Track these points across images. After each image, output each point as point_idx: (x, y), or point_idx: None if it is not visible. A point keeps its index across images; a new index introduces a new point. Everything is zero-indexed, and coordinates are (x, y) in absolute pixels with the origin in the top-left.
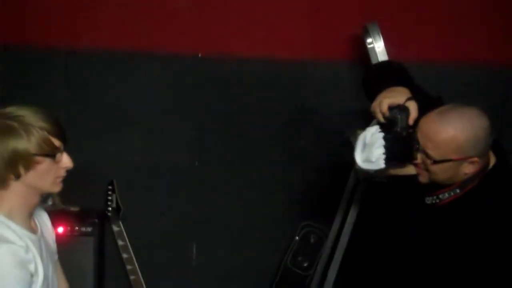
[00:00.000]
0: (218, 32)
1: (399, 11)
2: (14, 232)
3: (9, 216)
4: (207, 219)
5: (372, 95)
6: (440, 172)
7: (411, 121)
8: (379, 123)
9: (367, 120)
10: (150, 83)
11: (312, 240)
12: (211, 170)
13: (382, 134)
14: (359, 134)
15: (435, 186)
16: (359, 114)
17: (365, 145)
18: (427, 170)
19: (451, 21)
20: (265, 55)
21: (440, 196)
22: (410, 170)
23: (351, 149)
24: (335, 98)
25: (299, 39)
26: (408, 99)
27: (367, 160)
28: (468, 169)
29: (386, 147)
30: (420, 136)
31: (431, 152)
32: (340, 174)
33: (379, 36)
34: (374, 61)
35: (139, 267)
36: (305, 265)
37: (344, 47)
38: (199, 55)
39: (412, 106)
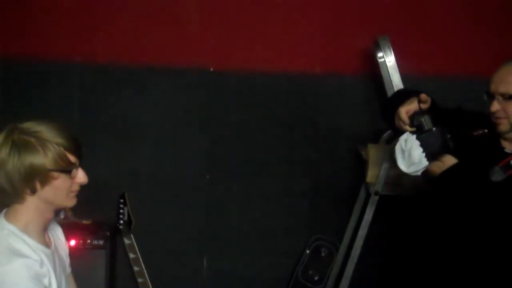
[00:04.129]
0: (229, 46)
1: (410, 26)
2: (29, 246)
3: (24, 230)
4: (218, 232)
5: (391, 121)
6: None
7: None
8: (411, 132)
9: (377, 133)
10: (162, 97)
11: (323, 254)
12: (222, 183)
13: (415, 136)
14: (370, 148)
15: (501, 152)
16: (371, 127)
17: (403, 152)
18: (506, 117)
19: (462, 34)
20: (277, 69)
21: None
22: (450, 161)
23: (363, 162)
24: (347, 111)
25: (311, 52)
26: (417, 98)
27: (411, 164)
28: None
29: (422, 145)
30: (492, 86)
31: (505, 90)
32: (352, 187)
33: (390, 50)
34: (384, 75)
35: (150, 280)
36: (316, 278)
37: (356, 61)
38: (211, 69)
39: (422, 95)
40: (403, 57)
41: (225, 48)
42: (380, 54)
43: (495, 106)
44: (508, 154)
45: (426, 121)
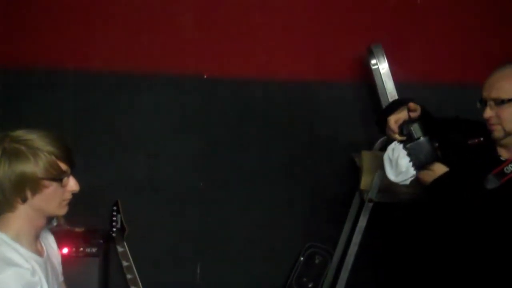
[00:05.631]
0: (223, 53)
1: (404, 33)
2: (21, 255)
3: (16, 238)
4: (212, 240)
5: (384, 131)
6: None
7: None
8: (400, 141)
9: (371, 140)
10: (156, 104)
11: (317, 261)
12: (216, 191)
13: (401, 145)
14: (364, 156)
15: (497, 160)
16: (365, 134)
17: (391, 162)
18: (499, 122)
19: (455, 41)
20: (271, 76)
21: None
22: (440, 169)
23: (357, 169)
24: (341, 118)
25: (305, 60)
26: (406, 107)
27: (399, 173)
28: None
29: (409, 154)
30: (484, 93)
31: (496, 96)
32: (346, 194)
33: (383, 57)
34: (378, 82)
35: None
36: (310, 285)
37: (349, 69)
38: (205, 76)
39: (410, 103)
40: (397, 64)
41: (219, 55)
42: (373, 62)
43: (488, 113)
44: (503, 162)
45: (415, 129)
